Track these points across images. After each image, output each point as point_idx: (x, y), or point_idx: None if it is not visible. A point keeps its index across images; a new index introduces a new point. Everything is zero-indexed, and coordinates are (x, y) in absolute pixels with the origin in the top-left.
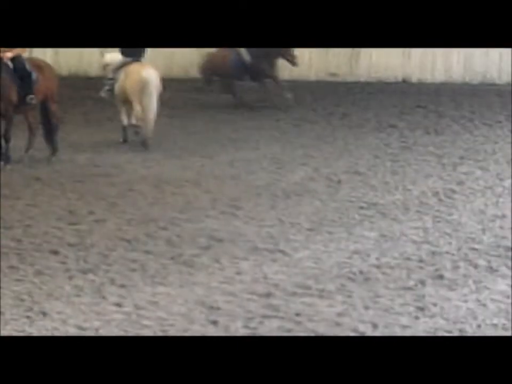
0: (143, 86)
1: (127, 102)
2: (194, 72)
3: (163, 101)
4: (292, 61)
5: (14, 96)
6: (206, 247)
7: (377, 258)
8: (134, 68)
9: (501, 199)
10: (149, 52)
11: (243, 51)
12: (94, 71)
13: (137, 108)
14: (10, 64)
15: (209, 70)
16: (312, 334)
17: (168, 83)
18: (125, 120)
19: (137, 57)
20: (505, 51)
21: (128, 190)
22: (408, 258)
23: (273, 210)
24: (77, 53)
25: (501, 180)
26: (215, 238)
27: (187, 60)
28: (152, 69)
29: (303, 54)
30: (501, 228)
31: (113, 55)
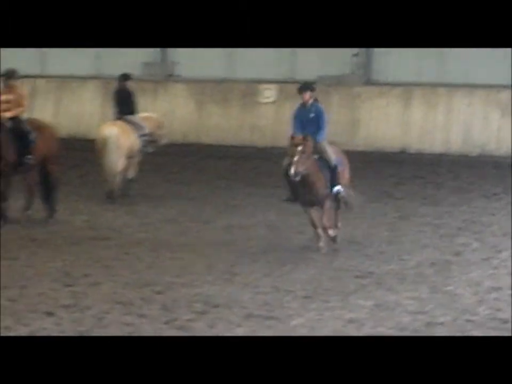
0: (103, 143)
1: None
2: (193, 137)
3: (161, 165)
4: None
5: (11, 156)
6: (201, 312)
7: (371, 328)
8: (103, 126)
9: (497, 271)
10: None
11: None
12: (93, 132)
13: (102, 163)
14: (8, 124)
15: None
16: None
17: (167, 148)
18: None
19: (124, 115)
20: (505, 123)
21: (124, 253)
22: (403, 329)
23: (268, 277)
24: (76, 115)
25: (498, 251)
26: (211, 304)
27: (186, 125)
28: (117, 126)
29: None
30: (497, 300)
31: None
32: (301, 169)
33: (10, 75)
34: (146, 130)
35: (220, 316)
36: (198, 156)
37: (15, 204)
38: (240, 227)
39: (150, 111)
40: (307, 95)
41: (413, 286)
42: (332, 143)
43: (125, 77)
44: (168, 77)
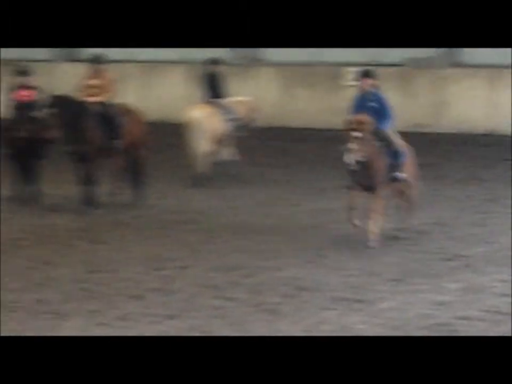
0: (189, 127)
1: None
2: (280, 121)
3: (249, 149)
4: None
5: (99, 141)
6: (289, 295)
7: (460, 311)
8: (190, 110)
9: None
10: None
11: None
12: (180, 117)
13: (189, 147)
14: (96, 109)
15: None
16: None
17: (253, 131)
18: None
19: (212, 99)
20: None
21: (212, 237)
22: (492, 311)
23: (357, 260)
24: (163, 99)
25: None
26: (299, 287)
27: (273, 108)
28: (203, 110)
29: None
30: None
31: None
32: (359, 157)
33: (97, 60)
34: (237, 114)
35: (307, 299)
36: (285, 139)
37: (103, 189)
38: (327, 210)
39: (237, 95)
40: (366, 82)
41: (502, 269)
42: (418, 125)
43: (214, 61)
44: (255, 61)
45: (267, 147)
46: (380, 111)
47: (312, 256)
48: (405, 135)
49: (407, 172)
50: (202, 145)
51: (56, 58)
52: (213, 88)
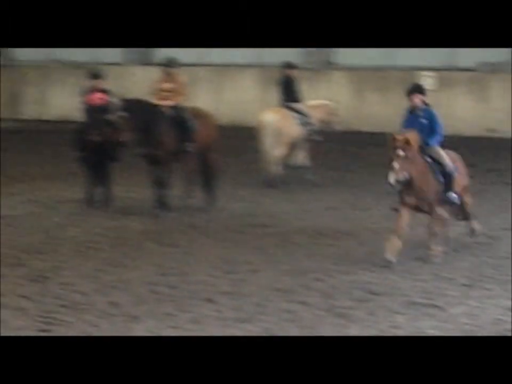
0: (262, 130)
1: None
2: (352, 125)
3: (320, 152)
4: None
5: (171, 144)
6: (361, 299)
7: None
8: (263, 113)
9: None
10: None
11: None
12: (252, 120)
13: (261, 150)
14: (169, 112)
15: None
16: None
17: (326, 135)
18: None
19: (288, 102)
20: None
21: (284, 240)
22: None
23: (429, 265)
24: (236, 102)
25: None
26: (371, 291)
27: (345, 112)
28: (277, 113)
29: (456, 108)
30: None
31: None
32: (401, 177)
33: (170, 64)
34: (311, 119)
35: (379, 304)
36: (358, 143)
37: (175, 192)
38: None
39: (308, 98)
40: (416, 98)
41: None
42: (490, 130)
43: (290, 65)
44: (327, 65)
45: (338, 151)
46: (430, 128)
47: (384, 260)
48: (476, 140)
49: (458, 186)
50: (275, 148)
51: (128, 62)
52: (288, 92)
